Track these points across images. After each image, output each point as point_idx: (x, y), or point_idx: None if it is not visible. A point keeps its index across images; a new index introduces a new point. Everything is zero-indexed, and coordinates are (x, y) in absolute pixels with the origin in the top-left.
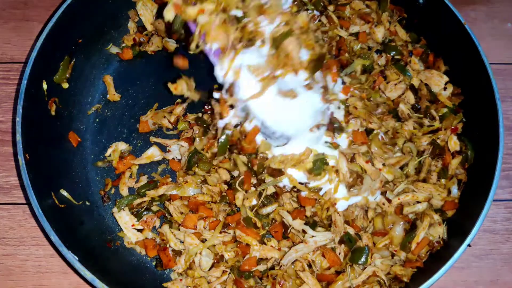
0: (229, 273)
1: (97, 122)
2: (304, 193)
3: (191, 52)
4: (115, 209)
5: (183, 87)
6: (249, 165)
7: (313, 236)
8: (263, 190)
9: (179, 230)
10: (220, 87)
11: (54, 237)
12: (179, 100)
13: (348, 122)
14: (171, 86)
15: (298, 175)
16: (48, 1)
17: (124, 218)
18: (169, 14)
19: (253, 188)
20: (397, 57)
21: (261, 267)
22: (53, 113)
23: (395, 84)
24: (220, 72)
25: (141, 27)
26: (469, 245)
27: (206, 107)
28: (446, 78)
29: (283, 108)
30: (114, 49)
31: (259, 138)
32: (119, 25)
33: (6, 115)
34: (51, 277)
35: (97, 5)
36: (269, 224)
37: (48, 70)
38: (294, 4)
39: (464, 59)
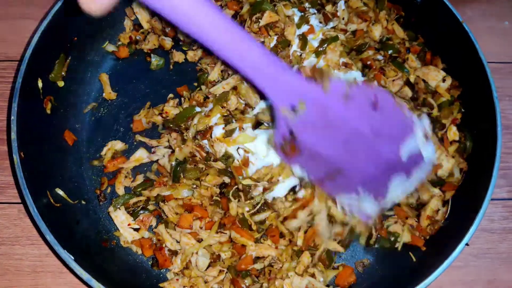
0: (226, 272)
1: (93, 121)
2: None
3: None
4: (111, 208)
5: None
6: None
7: None
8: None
9: (175, 230)
10: None
11: (50, 237)
12: (171, 95)
13: None
14: None
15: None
16: None
17: (120, 217)
18: None
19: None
20: (395, 55)
21: (258, 266)
22: (48, 111)
23: (393, 80)
24: None
25: (137, 25)
26: (467, 244)
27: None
28: (443, 73)
29: None
30: (110, 47)
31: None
32: (115, 23)
33: (1, 114)
34: (46, 276)
35: None
36: (264, 230)
37: (43, 68)
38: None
39: (461, 58)
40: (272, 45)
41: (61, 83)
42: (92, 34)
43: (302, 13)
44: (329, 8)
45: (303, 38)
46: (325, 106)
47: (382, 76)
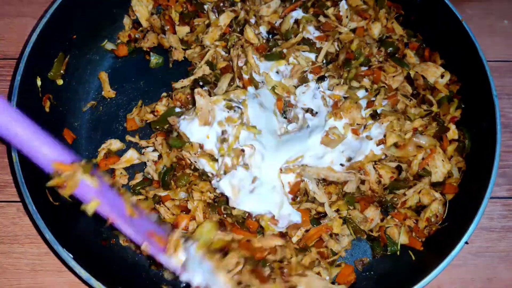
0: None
1: (91, 119)
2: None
3: None
4: None
5: None
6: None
7: None
8: None
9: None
10: None
11: (49, 235)
12: (164, 94)
13: None
14: None
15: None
16: None
17: None
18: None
19: None
20: (393, 52)
21: (271, 257)
22: (47, 109)
23: (394, 76)
24: None
25: (136, 23)
26: (466, 243)
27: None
28: (442, 70)
29: None
30: (109, 46)
31: None
32: (114, 22)
33: None
34: (45, 275)
35: (92, 1)
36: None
37: (42, 67)
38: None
39: (461, 57)
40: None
41: (60, 81)
42: (91, 33)
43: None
44: (331, 11)
45: None
46: None
47: (382, 73)
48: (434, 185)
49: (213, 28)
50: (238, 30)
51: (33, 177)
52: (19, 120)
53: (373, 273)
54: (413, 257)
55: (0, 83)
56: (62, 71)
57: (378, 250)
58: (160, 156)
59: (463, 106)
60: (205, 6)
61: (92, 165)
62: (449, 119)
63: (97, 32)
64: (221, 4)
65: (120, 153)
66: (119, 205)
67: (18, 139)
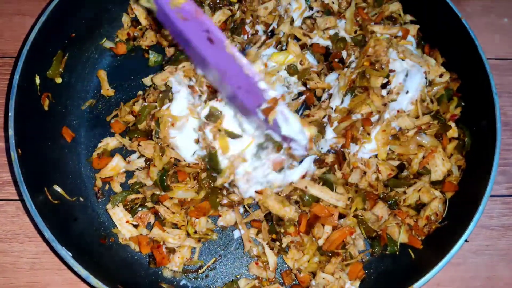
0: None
1: (90, 117)
2: None
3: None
4: (109, 206)
5: None
6: None
7: None
8: None
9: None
10: None
11: (48, 233)
12: (140, 92)
13: None
14: None
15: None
16: None
17: (118, 214)
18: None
19: None
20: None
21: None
22: (46, 108)
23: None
24: None
25: (135, 22)
26: (466, 241)
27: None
28: (442, 69)
29: None
30: (108, 44)
31: None
32: (113, 20)
33: None
34: (44, 274)
35: (90, 0)
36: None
37: (41, 65)
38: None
39: (461, 55)
40: None
41: (58, 80)
42: (90, 31)
43: None
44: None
45: None
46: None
47: None
48: (434, 183)
49: None
50: (232, 28)
51: (32, 175)
52: None
53: (372, 271)
54: (413, 256)
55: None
56: (61, 70)
57: (377, 249)
58: (147, 160)
59: (463, 104)
60: (204, 5)
61: None
62: (449, 117)
63: (96, 31)
64: (218, 1)
65: (117, 151)
66: None
67: None
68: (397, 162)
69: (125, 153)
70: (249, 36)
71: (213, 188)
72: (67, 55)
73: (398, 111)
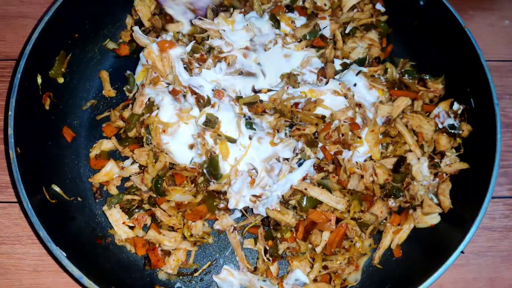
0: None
1: (91, 118)
2: None
3: None
4: (105, 207)
5: None
6: None
7: None
8: None
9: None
10: None
11: (43, 233)
12: (129, 95)
13: None
14: None
15: None
16: None
17: (115, 216)
18: None
19: None
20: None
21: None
22: (47, 107)
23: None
24: None
25: (138, 23)
26: (462, 252)
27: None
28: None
29: None
30: (111, 45)
31: None
32: (116, 21)
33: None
34: (47, 276)
35: (94, 1)
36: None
37: (43, 65)
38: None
39: (461, 57)
40: None
41: (61, 80)
42: (93, 32)
43: None
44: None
45: None
46: None
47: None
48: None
49: None
50: None
51: (30, 174)
52: None
53: (374, 274)
54: (415, 257)
55: (1, 84)
56: (63, 70)
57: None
58: (141, 166)
59: (463, 105)
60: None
61: None
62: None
63: (99, 32)
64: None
65: (115, 152)
66: None
67: None
68: (393, 160)
69: (121, 155)
70: None
71: (210, 192)
72: (69, 55)
73: (373, 104)
